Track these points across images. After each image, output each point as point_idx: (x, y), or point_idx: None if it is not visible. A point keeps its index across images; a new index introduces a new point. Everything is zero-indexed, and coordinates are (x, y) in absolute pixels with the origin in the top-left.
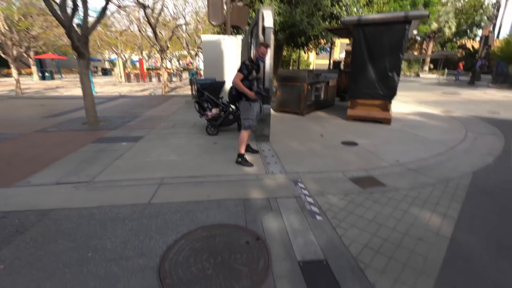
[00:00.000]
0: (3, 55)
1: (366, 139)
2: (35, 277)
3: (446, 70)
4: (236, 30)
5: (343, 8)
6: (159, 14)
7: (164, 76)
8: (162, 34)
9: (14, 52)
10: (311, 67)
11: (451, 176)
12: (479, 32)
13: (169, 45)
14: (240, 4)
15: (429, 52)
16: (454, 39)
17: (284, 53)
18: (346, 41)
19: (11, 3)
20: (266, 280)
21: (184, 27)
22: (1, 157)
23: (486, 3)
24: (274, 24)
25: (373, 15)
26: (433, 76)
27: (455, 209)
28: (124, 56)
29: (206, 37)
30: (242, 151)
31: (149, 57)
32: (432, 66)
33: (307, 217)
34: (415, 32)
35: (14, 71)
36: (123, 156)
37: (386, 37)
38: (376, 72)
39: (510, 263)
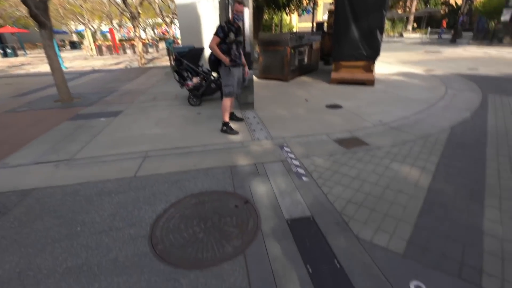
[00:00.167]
0: None
1: (350, 102)
2: (24, 254)
3: (429, 29)
4: None
5: None
6: None
7: (139, 46)
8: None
9: None
10: (294, 31)
11: (431, 132)
12: None
13: (140, 11)
14: None
15: (413, 10)
16: None
17: (266, 16)
18: (329, 0)
19: None
20: (256, 239)
21: None
22: None
23: None
24: None
25: None
26: (417, 35)
27: (433, 162)
28: (92, 26)
29: (181, 1)
30: (226, 119)
31: (120, 26)
32: (415, 25)
33: (293, 179)
34: None
35: None
36: (103, 131)
37: None
38: (360, 31)
39: (481, 207)
